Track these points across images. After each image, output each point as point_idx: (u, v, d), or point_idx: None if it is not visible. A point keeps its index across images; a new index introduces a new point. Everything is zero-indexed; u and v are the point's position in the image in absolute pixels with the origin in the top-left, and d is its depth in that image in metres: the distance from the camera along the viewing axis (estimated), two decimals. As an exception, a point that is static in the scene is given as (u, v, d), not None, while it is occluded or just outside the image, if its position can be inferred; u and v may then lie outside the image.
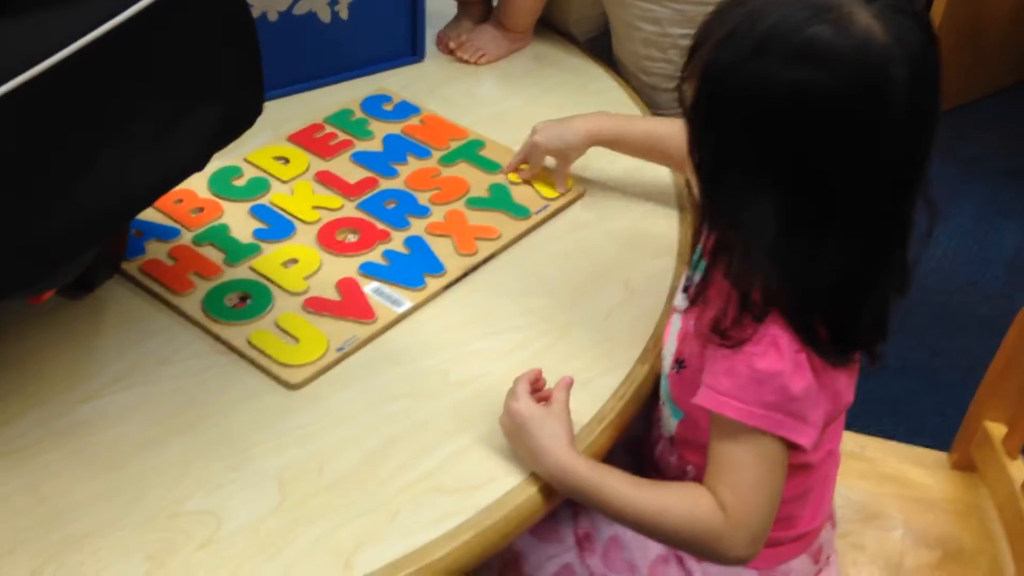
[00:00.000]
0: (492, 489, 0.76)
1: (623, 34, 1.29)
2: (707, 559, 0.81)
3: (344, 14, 1.19)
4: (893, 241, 0.73)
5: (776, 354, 0.72)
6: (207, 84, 0.66)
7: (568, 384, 0.81)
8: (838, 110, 0.66)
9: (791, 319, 0.73)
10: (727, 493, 0.74)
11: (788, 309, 0.72)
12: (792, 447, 0.75)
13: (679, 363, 0.82)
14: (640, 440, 0.95)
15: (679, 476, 0.86)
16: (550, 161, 1.05)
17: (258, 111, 0.73)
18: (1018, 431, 1.03)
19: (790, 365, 0.72)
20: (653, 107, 1.26)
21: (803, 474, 0.83)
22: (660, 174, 1.08)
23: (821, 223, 0.70)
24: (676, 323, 0.84)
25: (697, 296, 0.77)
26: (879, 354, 0.78)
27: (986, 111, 2.47)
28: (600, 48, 1.36)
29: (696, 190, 0.75)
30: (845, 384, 0.79)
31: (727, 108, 0.69)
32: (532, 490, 0.77)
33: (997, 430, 1.05)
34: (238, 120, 0.70)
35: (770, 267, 0.71)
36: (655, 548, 0.87)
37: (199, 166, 0.68)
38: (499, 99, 1.23)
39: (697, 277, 0.78)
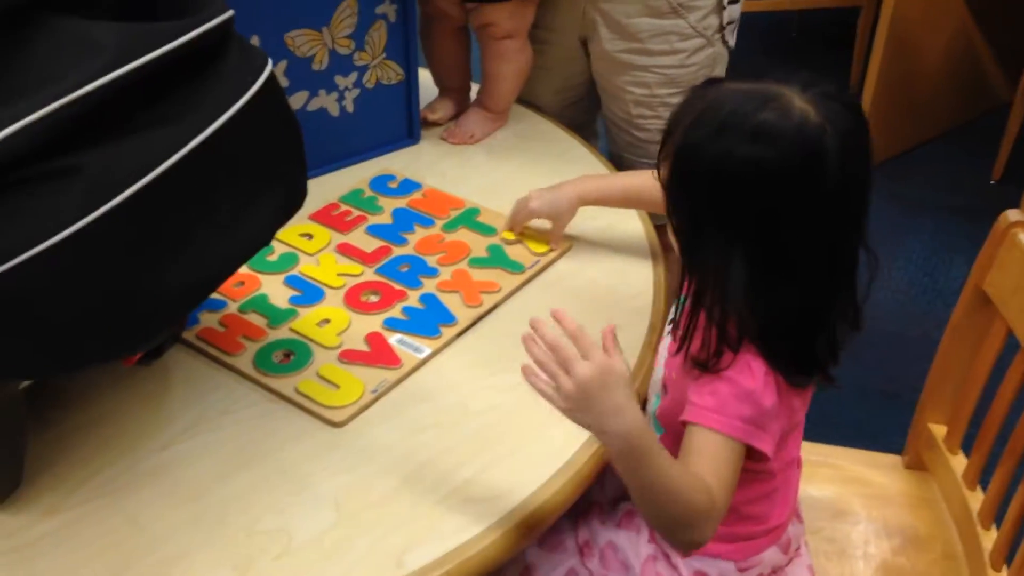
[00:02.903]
0: (512, 497, 0.91)
1: (616, 96, 1.46)
2: (681, 537, 0.85)
3: (350, 108, 1.37)
4: (840, 284, 0.89)
5: (750, 375, 0.87)
6: (271, 171, 0.82)
7: (613, 335, 0.82)
8: (784, 178, 0.82)
9: (761, 348, 0.88)
10: (715, 483, 0.85)
11: (758, 340, 0.88)
12: (756, 455, 0.90)
13: (664, 387, 0.97)
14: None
15: None
16: (545, 223, 1.22)
17: (306, 191, 0.90)
18: (956, 430, 1.19)
19: (761, 384, 0.87)
20: (646, 157, 1.45)
21: (767, 479, 0.98)
22: (633, 227, 1.26)
23: (780, 271, 0.85)
24: (663, 352, 1.00)
25: (686, 334, 0.91)
26: (832, 378, 0.92)
27: (926, 155, 2.69)
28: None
29: (677, 247, 0.92)
30: (799, 404, 0.94)
31: (697, 180, 0.85)
32: (545, 496, 0.92)
33: (939, 430, 1.22)
34: (294, 199, 0.87)
35: (742, 307, 0.86)
36: (646, 549, 1.01)
37: (267, 241, 0.84)
38: (489, 171, 1.41)
39: (682, 313, 0.93)
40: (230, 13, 0.81)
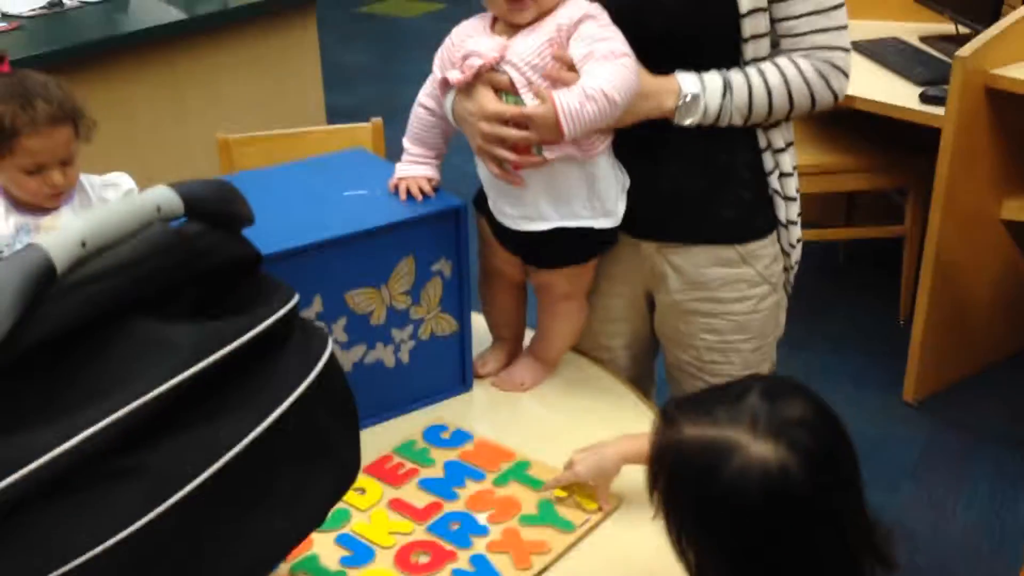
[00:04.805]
0: None
1: (685, 344, 1.47)
2: None
3: (405, 359, 1.41)
4: None
5: None
6: (327, 450, 0.85)
7: None
8: (761, 524, 0.85)
9: None
10: None
11: None
12: None
13: None
14: None
15: None
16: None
17: (358, 467, 0.92)
18: None
19: None
20: None
21: None
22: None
23: None
24: None
25: None
26: None
27: (985, 385, 2.65)
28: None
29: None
30: None
31: (687, 529, 0.89)
32: None
33: None
34: (348, 476, 0.89)
35: None
36: None
37: (322, 520, 0.86)
38: (540, 421, 1.43)
39: None
40: (294, 301, 0.87)
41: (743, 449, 0.85)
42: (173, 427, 0.74)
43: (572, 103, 1.21)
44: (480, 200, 1.43)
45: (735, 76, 1.32)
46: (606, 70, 1.23)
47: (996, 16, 2.55)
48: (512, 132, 1.25)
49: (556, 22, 1.26)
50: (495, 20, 1.32)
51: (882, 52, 2.72)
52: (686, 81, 1.31)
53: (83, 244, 0.72)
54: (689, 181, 1.38)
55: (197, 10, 3.17)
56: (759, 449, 0.85)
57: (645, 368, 1.61)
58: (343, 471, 0.89)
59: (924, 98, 2.43)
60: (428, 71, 1.40)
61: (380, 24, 6.37)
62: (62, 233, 0.73)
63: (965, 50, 2.27)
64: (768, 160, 1.39)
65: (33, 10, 3.03)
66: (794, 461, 0.84)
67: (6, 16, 2.98)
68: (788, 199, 1.42)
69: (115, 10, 3.15)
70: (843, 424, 0.90)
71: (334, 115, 3.67)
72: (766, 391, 0.88)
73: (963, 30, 2.74)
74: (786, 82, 1.33)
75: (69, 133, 1.50)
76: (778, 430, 0.85)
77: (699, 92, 1.31)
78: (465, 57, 1.29)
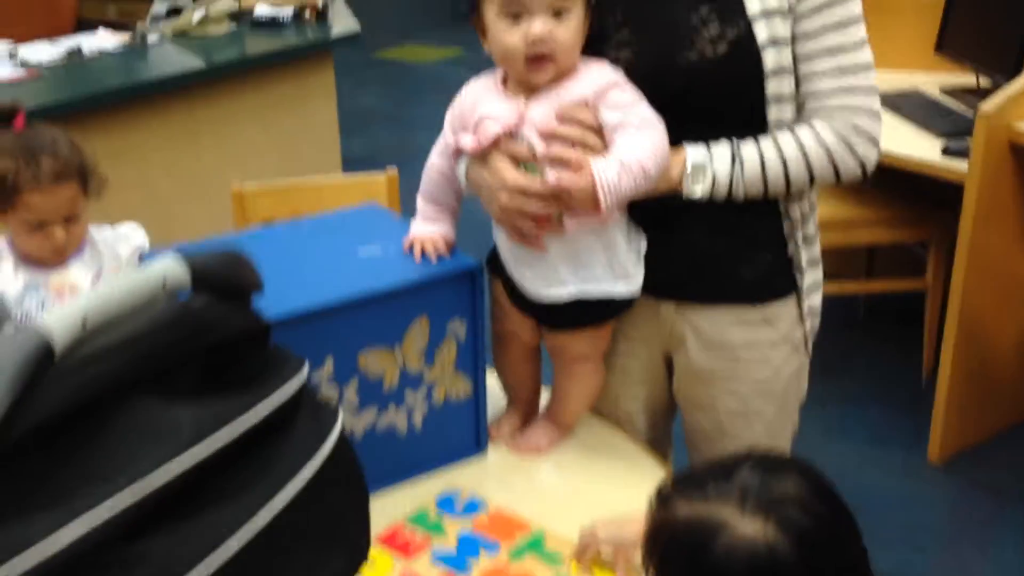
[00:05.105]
0: None
1: (706, 408, 1.42)
2: None
3: (418, 425, 1.37)
4: None
5: None
6: (336, 533, 0.81)
7: None
8: None
9: None
10: None
11: None
12: None
13: None
14: None
15: None
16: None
17: (369, 546, 0.88)
18: None
19: None
20: None
21: None
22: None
23: None
24: None
25: None
26: None
27: (1012, 444, 2.58)
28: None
29: None
30: None
31: None
32: None
33: None
34: (358, 557, 0.85)
35: None
36: None
37: (333, 603, 0.82)
38: (557, 487, 1.38)
39: None
40: (303, 377, 0.83)
41: (730, 528, 0.82)
42: (176, 511, 0.70)
43: (611, 176, 1.18)
44: (494, 262, 1.39)
45: (746, 148, 1.28)
46: (642, 141, 1.20)
47: (1019, 68, 2.52)
48: (535, 205, 1.22)
49: (579, 89, 1.23)
50: (506, 78, 1.29)
51: (902, 104, 2.70)
52: (692, 151, 1.28)
53: (84, 324, 0.69)
54: (709, 242, 1.35)
55: (215, 58, 3.19)
56: (746, 528, 0.81)
57: (663, 431, 1.56)
58: (354, 551, 0.85)
59: (946, 152, 2.40)
60: (443, 117, 1.36)
61: (395, 69, 6.41)
62: (63, 311, 0.70)
63: (989, 106, 2.24)
64: (789, 224, 1.36)
65: (53, 59, 3.05)
66: (784, 541, 0.80)
67: (26, 64, 3.00)
68: (810, 263, 1.39)
69: (134, 59, 3.17)
70: (843, 502, 0.86)
71: (349, 161, 3.67)
72: (759, 467, 0.85)
73: (984, 82, 2.71)
74: (804, 153, 1.28)
75: (74, 190, 1.47)
76: (767, 507, 0.82)
77: (705, 162, 1.27)
78: (479, 121, 1.26)
